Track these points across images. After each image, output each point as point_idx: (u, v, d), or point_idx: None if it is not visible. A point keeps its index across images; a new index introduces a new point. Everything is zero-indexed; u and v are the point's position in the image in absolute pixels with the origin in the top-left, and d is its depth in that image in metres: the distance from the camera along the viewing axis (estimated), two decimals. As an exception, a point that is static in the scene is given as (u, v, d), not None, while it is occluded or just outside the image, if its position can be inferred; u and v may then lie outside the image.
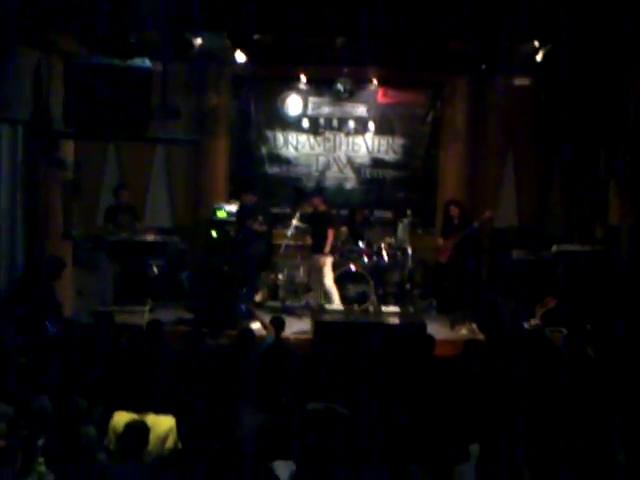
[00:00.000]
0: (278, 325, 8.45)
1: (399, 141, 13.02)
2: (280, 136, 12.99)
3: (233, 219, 11.47)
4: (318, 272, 10.78)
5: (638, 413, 5.98)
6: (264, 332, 8.72)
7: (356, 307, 10.59)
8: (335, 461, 4.82)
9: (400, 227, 11.78)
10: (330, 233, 10.72)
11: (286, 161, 13.02)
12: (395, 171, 13.08)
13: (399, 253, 11.49)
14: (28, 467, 4.85)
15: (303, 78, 12.66)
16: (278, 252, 11.42)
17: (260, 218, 11.26)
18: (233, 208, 11.56)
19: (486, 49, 10.17)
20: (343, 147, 13.02)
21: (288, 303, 11.36)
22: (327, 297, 10.69)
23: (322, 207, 10.95)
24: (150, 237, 10.86)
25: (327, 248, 10.67)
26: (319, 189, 11.85)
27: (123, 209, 11.12)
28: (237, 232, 11.22)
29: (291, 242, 11.44)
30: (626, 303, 9.50)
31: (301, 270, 11.66)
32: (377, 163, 13.04)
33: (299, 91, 12.84)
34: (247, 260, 11.10)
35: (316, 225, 10.90)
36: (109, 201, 11.53)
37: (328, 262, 10.73)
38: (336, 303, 10.57)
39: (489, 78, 12.00)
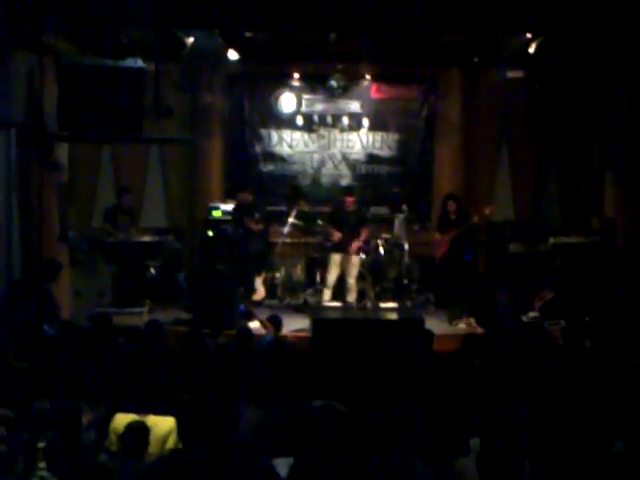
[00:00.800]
0: (276, 323, 8.46)
1: (394, 136, 13.00)
2: (274, 134, 12.96)
3: (229, 218, 11.42)
4: (345, 270, 10.79)
5: (636, 405, 5.98)
6: (263, 331, 8.71)
7: (354, 304, 10.59)
8: (334, 457, 4.80)
9: (396, 223, 11.78)
10: (364, 232, 10.78)
11: (281, 159, 13.00)
12: (390, 167, 13.06)
13: (396, 249, 11.50)
14: (29, 471, 4.84)
15: (296, 75, 12.66)
16: (275, 250, 11.41)
17: (256, 216, 11.25)
18: (229, 207, 11.50)
19: (479, 42, 10.18)
20: (338, 144, 13.00)
21: (286, 301, 11.38)
22: (343, 293, 10.80)
23: (352, 206, 10.89)
24: (146, 238, 10.83)
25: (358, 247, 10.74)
26: (349, 188, 11.76)
27: (124, 211, 11.09)
28: (233, 231, 11.19)
29: (288, 240, 11.44)
30: (623, 293, 9.51)
31: (298, 268, 11.68)
32: (372, 159, 13.03)
33: (292, 88, 12.80)
34: (244, 259, 11.07)
35: (345, 224, 10.81)
36: (105, 203, 11.53)
37: (358, 261, 10.82)
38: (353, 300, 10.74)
39: (482, 71, 12.02)
